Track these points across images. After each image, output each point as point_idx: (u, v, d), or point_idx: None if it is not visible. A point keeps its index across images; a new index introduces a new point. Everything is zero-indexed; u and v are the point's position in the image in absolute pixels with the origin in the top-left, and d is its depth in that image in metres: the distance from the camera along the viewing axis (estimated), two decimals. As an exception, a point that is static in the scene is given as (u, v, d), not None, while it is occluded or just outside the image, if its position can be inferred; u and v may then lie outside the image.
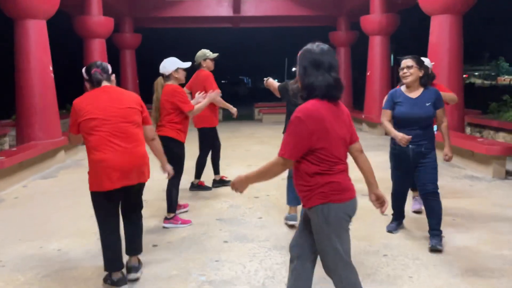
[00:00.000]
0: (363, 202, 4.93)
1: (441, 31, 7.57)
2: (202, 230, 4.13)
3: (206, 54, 5.44)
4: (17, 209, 4.99)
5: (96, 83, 3.09)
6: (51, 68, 7.51)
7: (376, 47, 10.99)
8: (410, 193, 4.26)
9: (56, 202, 5.24)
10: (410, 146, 3.63)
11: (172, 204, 4.26)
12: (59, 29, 9.56)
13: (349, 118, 2.33)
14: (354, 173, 2.45)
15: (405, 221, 4.30)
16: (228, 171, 6.77)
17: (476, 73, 53.79)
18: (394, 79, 17.34)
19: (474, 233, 3.94)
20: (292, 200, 4.15)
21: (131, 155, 2.97)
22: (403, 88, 3.80)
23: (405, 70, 3.71)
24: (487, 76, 48.07)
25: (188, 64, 4.28)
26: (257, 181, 2.30)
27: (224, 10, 13.94)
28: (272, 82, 4.35)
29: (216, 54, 5.48)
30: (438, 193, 3.65)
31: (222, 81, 30.70)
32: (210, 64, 5.45)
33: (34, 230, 4.23)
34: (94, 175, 3.00)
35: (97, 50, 10.63)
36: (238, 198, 5.20)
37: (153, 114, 4.14)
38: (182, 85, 4.51)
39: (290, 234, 3.92)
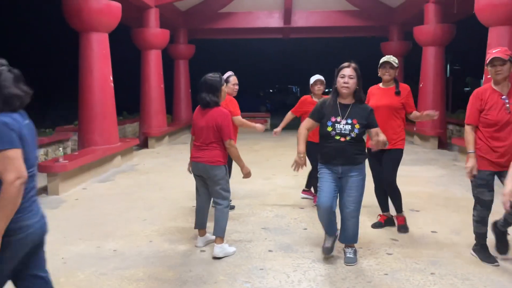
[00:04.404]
0: (410, 218, 4.85)
1: (500, 43, 7.27)
2: (248, 238, 4.25)
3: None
4: (77, 210, 5.36)
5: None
6: (111, 78, 7.99)
7: (430, 58, 10.70)
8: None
9: (112, 204, 5.56)
10: None
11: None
12: (116, 40, 10.10)
13: (215, 121, 3.74)
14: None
15: (454, 238, 4.19)
16: (274, 180, 6.88)
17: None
18: (449, 90, 16.77)
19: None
20: None
21: None
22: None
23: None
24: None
25: (313, 78, 5.18)
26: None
27: (275, 21, 14.14)
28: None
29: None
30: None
31: (271, 90, 30.96)
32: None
33: (92, 231, 4.53)
34: None
35: (153, 61, 11.18)
36: (283, 207, 5.27)
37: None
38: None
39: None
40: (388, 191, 4.41)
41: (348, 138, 3.40)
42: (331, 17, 13.89)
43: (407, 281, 3.28)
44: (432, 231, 4.40)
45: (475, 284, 3.22)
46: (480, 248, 3.68)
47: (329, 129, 3.44)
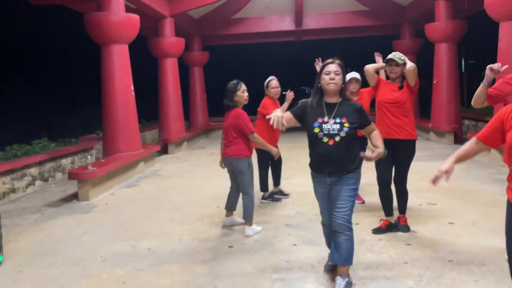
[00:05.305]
0: (428, 211, 5.02)
1: (510, 38, 7.38)
2: (272, 234, 4.48)
3: None
4: (108, 214, 5.65)
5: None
6: (132, 88, 8.31)
7: (442, 55, 10.80)
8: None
9: (141, 208, 5.85)
10: None
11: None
12: (133, 49, 10.42)
13: (233, 120, 4.41)
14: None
15: (471, 229, 4.35)
16: (294, 180, 7.09)
17: None
18: (464, 85, 16.73)
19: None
20: None
21: None
22: None
23: None
24: None
25: (348, 76, 5.01)
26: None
27: (287, 24, 14.37)
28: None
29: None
30: None
31: (283, 92, 31.20)
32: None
33: (125, 232, 4.82)
34: None
35: (170, 69, 11.51)
36: (304, 205, 5.48)
37: None
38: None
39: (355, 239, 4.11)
40: (398, 191, 4.35)
41: (337, 139, 3.07)
42: (342, 18, 14.06)
43: (426, 268, 3.46)
44: (450, 222, 4.57)
45: (491, 270, 3.39)
46: None
47: (316, 130, 3.14)
